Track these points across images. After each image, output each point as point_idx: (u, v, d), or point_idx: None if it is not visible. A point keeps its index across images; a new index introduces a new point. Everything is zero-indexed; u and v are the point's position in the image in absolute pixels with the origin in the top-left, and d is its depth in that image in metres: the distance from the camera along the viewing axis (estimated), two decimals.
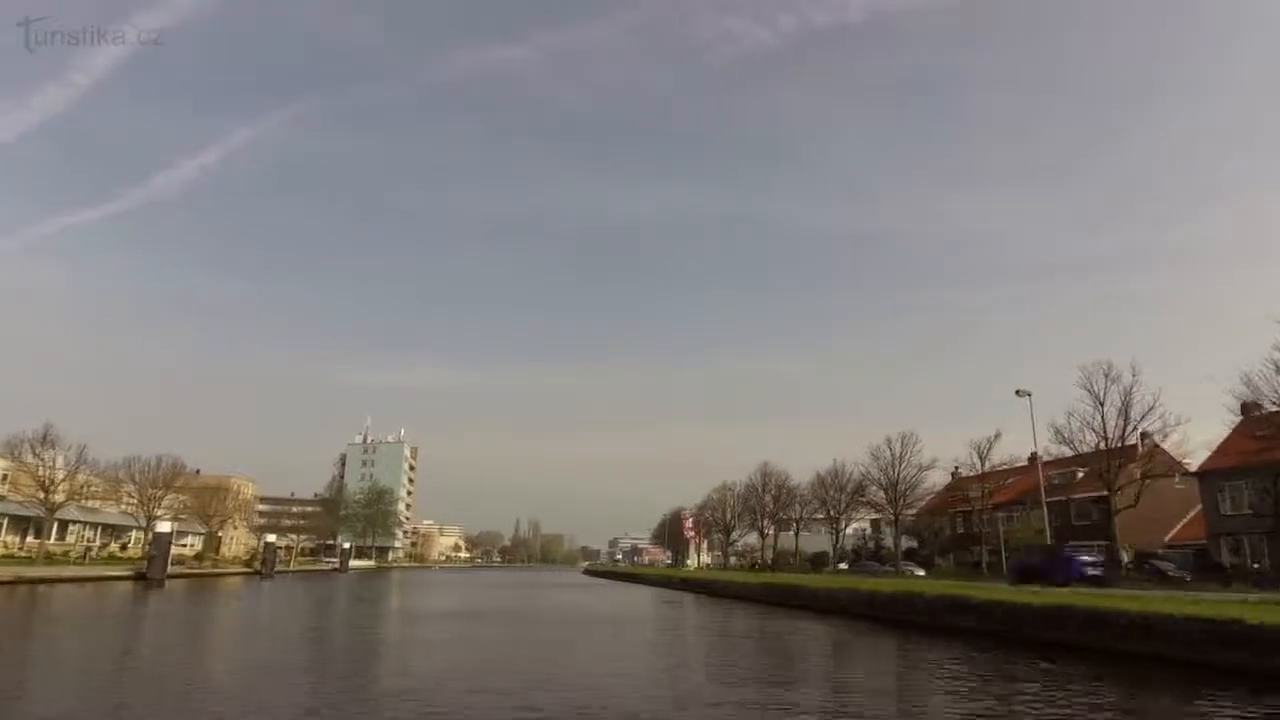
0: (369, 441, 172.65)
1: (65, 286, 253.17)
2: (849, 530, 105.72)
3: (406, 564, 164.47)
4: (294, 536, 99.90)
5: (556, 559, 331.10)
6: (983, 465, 54.56)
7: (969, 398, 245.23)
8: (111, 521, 65.84)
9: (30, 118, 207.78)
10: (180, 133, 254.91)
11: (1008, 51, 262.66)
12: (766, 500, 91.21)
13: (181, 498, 64.58)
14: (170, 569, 53.45)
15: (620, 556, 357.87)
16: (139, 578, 47.24)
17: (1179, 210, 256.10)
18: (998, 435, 53.82)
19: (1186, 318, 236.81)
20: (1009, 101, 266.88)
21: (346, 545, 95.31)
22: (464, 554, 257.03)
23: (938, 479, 67.74)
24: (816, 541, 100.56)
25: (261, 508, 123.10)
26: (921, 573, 64.44)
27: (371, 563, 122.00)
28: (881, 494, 63.80)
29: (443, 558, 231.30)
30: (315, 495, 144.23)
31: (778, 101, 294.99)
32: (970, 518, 76.70)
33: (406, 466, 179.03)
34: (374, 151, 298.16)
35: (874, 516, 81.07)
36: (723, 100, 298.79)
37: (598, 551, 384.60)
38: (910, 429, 65.46)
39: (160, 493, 57.28)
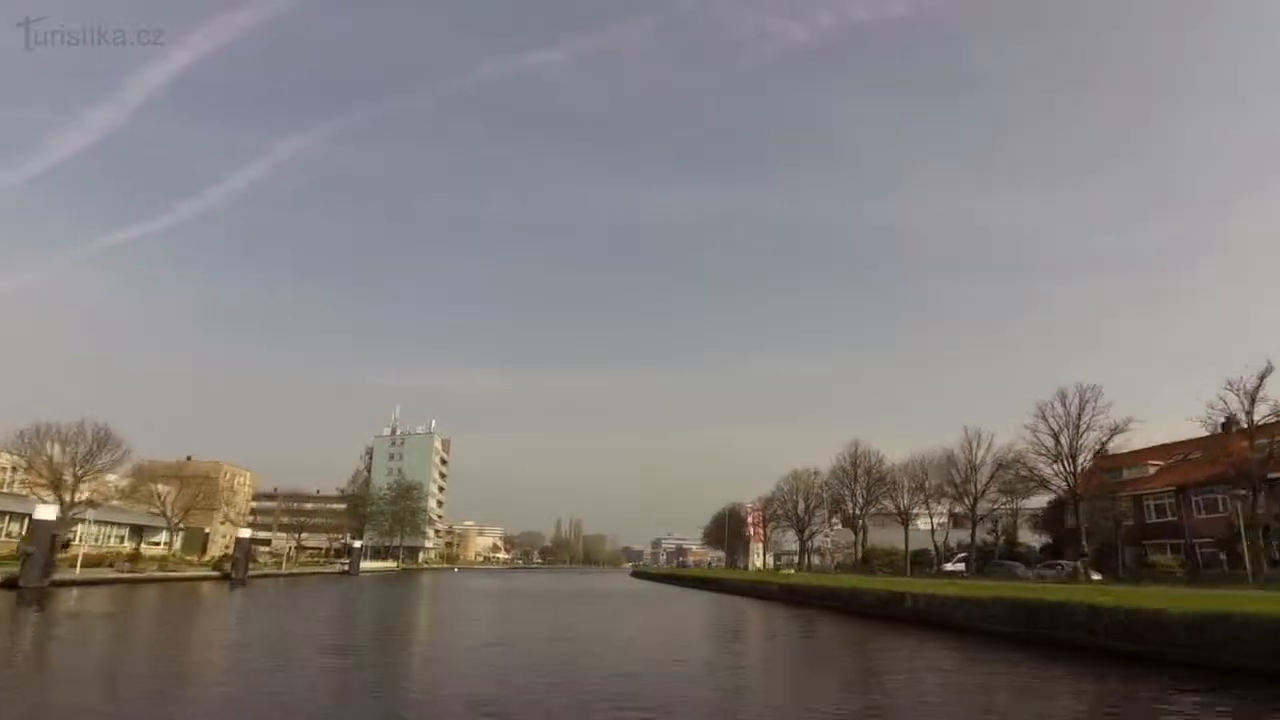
0: (398, 434, 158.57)
1: (116, 298, 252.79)
2: (933, 524, 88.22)
3: (438, 565, 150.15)
4: (299, 535, 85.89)
5: (600, 560, 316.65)
6: (1251, 410, 36.14)
7: (993, 396, 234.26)
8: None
9: (85, 135, 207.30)
10: (227, 147, 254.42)
11: (1041, 47, 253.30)
12: (858, 489, 73.77)
13: (114, 479, 50.00)
14: (78, 573, 38.67)
15: (664, 557, 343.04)
16: (7, 585, 32.36)
17: (1214, 206, 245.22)
18: (1270, 369, 35.42)
19: (1217, 315, 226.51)
20: (1040, 98, 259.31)
21: (358, 544, 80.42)
22: (502, 555, 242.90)
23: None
24: (900, 538, 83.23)
25: (273, 504, 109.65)
26: (1096, 576, 46.69)
27: (393, 564, 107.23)
28: (1057, 466, 45.90)
29: (480, 559, 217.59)
30: (338, 491, 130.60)
31: (804, 99, 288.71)
32: (1142, 504, 58.25)
33: (437, 460, 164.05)
34: (407, 159, 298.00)
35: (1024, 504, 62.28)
36: (750, 99, 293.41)
37: (640, 552, 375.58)
38: (1094, 383, 47.05)
39: (81, 470, 42.59)
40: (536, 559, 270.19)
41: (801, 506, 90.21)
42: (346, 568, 77.04)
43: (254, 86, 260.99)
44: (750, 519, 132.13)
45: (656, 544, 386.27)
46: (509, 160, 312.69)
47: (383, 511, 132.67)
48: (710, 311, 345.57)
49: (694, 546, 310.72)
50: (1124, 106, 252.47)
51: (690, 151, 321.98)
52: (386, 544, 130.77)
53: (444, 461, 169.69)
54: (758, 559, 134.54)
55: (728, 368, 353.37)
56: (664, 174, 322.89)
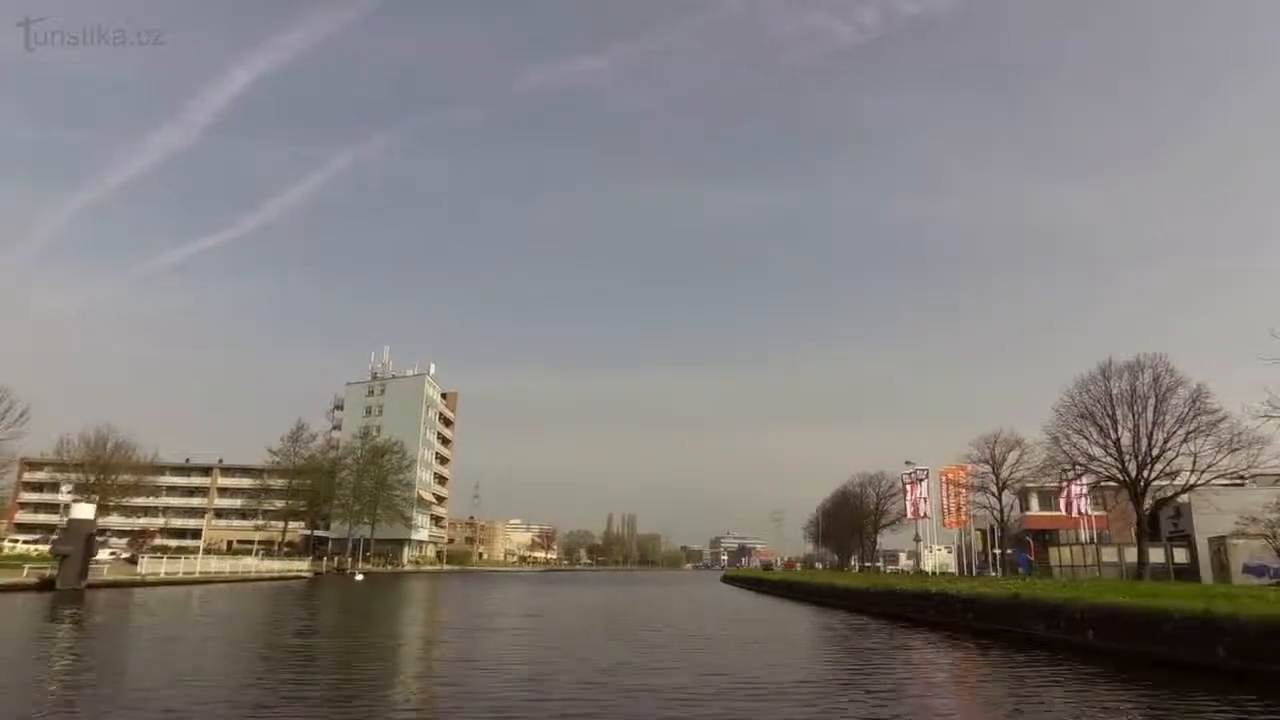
0: (378, 379, 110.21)
1: (187, 311, 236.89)
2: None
3: (433, 567, 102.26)
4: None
5: (656, 560, 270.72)
6: None
7: (1046, 395, 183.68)
8: None
9: (153, 155, 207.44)
10: (290, 161, 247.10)
11: (1092, 37, 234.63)
12: None
13: None
14: None
15: (726, 557, 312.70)
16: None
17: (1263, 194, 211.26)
18: None
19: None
20: (1086, 94, 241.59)
21: (82, 513, 31.96)
22: (542, 554, 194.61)
23: None
24: None
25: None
26: None
27: (303, 565, 58.41)
28: None
29: (512, 558, 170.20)
30: (270, 455, 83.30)
31: (857, 97, 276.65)
32: None
33: (434, 416, 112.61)
34: (465, 168, 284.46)
35: None
36: (800, 98, 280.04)
37: (699, 551, 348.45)
38: None
39: None
40: (585, 559, 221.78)
41: (1146, 437, 38.53)
42: (54, 574, 28.93)
43: (311, 102, 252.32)
44: (920, 488, 79.03)
45: (716, 543, 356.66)
46: (564, 166, 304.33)
47: (343, 483, 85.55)
48: (772, 312, 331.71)
49: (759, 545, 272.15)
50: (1176, 93, 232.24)
51: (747, 151, 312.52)
52: (355, 534, 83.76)
53: (447, 422, 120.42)
54: (930, 557, 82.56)
55: (789, 368, 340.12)
56: (725, 173, 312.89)
